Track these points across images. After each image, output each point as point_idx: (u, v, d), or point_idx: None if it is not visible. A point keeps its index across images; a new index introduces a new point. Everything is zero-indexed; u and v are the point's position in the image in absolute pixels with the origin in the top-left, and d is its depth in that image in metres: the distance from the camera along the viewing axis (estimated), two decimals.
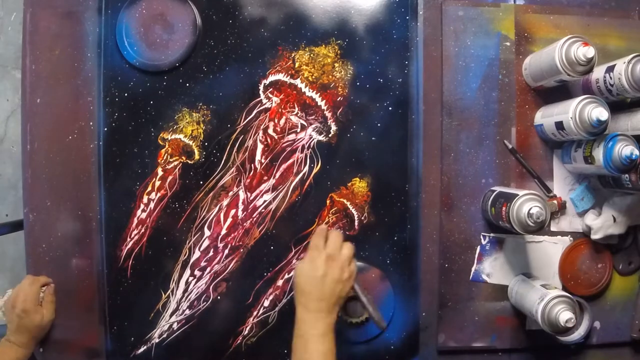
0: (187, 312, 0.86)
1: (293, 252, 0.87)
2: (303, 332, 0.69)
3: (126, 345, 0.85)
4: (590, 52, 0.75)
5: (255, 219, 0.86)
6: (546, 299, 0.77)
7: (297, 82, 0.86)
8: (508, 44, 0.88)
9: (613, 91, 0.80)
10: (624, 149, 0.74)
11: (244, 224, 0.86)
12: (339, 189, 0.87)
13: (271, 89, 0.86)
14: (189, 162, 0.86)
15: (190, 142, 0.86)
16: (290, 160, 0.87)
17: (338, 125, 0.87)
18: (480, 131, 0.88)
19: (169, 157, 0.86)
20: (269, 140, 0.87)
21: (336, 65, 0.87)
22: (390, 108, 0.87)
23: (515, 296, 0.86)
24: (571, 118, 0.77)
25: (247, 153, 0.86)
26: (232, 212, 0.86)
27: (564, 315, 0.75)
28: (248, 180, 0.86)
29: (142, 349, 0.86)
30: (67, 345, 0.86)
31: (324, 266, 0.71)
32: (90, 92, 0.86)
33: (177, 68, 0.85)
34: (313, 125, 0.87)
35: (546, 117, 0.85)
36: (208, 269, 0.86)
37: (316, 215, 0.87)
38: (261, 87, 0.86)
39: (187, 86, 0.86)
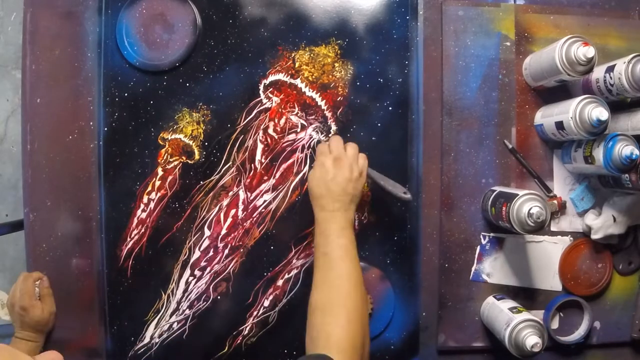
0: (187, 312, 0.86)
1: (293, 252, 0.87)
2: (323, 229, 0.72)
3: (126, 345, 0.85)
4: (590, 52, 0.75)
5: (255, 219, 0.86)
6: (512, 324, 0.77)
7: (297, 82, 0.86)
8: (508, 44, 0.88)
9: (613, 91, 0.80)
10: (624, 149, 0.75)
11: (244, 224, 0.86)
12: None
13: (271, 89, 0.86)
14: (189, 162, 0.86)
15: (190, 142, 0.86)
16: (290, 160, 0.87)
17: (338, 125, 0.87)
18: (480, 131, 0.88)
19: (169, 157, 0.86)
20: (269, 140, 0.87)
21: (336, 65, 0.87)
22: (390, 108, 0.87)
23: (487, 319, 0.86)
24: (571, 118, 0.77)
25: (247, 153, 0.86)
26: (232, 212, 0.86)
27: (530, 340, 0.75)
28: (248, 180, 0.86)
29: (142, 349, 0.86)
30: (67, 345, 0.86)
31: (332, 169, 0.74)
32: (90, 92, 0.86)
33: (177, 68, 0.85)
34: (313, 125, 0.87)
35: (546, 117, 0.85)
36: (208, 269, 0.86)
37: None
38: (261, 87, 0.86)
39: (187, 86, 0.86)
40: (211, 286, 0.86)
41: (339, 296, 0.67)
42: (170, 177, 0.86)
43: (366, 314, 0.69)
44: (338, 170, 0.74)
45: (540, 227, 0.75)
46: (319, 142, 0.86)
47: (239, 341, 0.86)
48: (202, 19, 0.86)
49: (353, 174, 0.74)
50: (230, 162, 0.86)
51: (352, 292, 0.68)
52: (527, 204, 0.75)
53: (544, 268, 0.89)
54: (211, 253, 0.86)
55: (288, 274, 0.87)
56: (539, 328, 0.76)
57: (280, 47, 0.86)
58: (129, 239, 0.85)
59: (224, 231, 0.86)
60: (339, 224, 0.72)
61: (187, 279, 0.86)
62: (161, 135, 0.86)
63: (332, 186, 0.73)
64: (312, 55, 0.86)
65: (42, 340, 0.83)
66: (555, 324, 0.89)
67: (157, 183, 0.86)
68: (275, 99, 0.86)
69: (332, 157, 0.75)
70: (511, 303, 0.83)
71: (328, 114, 0.87)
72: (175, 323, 0.86)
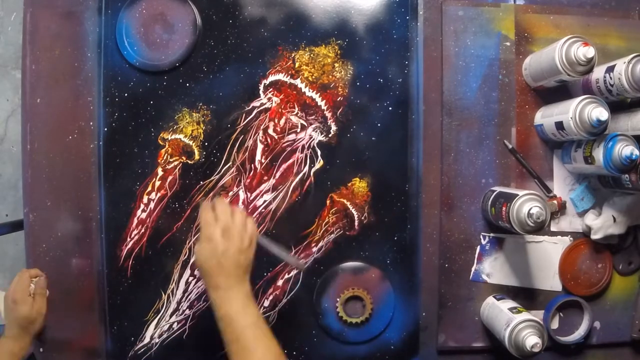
0: (187, 312, 0.86)
1: (293, 252, 0.87)
2: (224, 313, 0.66)
3: (126, 345, 0.85)
4: (590, 52, 0.75)
5: (255, 219, 0.86)
6: (512, 324, 0.77)
7: (297, 82, 0.86)
8: (508, 44, 0.88)
9: (613, 91, 0.80)
10: (624, 149, 0.75)
11: None
12: (339, 189, 0.87)
13: (271, 89, 0.86)
14: (189, 162, 0.86)
15: (190, 142, 0.86)
16: (290, 160, 0.87)
17: (338, 125, 0.87)
18: (480, 131, 0.88)
19: (169, 157, 0.86)
20: (269, 140, 0.87)
21: (336, 65, 0.87)
22: (390, 108, 0.87)
23: (486, 319, 0.86)
24: (571, 118, 0.77)
25: (247, 153, 0.86)
26: None
27: (530, 341, 0.75)
28: (248, 180, 0.86)
29: (142, 349, 0.86)
30: (67, 345, 0.86)
31: (222, 241, 0.68)
32: (90, 92, 0.86)
33: (177, 68, 0.85)
34: (313, 125, 0.87)
35: (546, 117, 0.85)
36: None
37: (316, 215, 0.87)
38: (261, 87, 0.86)
39: (187, 86, 0.86)
40: None
41: None
42: (170, 177, 0.86)
43: None
44: (228, 242, 0.68)
45: (540, 227, 0.75)
46: (319, 142, 0.85)
47: None
48: (202, 19, 0.86)
49: (244, 244, 0.69)
50: (230, 162, 0.86)
51: None
52: (527, 204, 0.75)
53: (544, 268, 0.89)
54: None
55: (288, 274, 0.87)
56: (538, 328, 0.76)
57: (280, 47, 0.86)
58: (129, 239, 0.85)
59: None
60: (240, 302, 0.67)
61: (187, 279, 0.86)
62: (161, 135, 0.86)
63: (224, 261, 0.67)
64: (312, 55, 0.86)
65: (28, 340, 0.81)
66: (555, 324, 0.89)
67: (157, 183, 0.86)
68: (275, 99, 0.86)
69: (219, 228, 0.68)
70: (511, 303, 0.83)
71: (328, 114, 0.87)
72: (175, 323, 0.86)
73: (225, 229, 0.69)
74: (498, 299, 0.86)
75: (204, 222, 0.70)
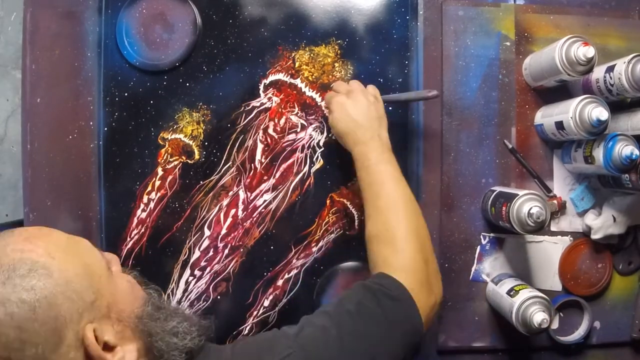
0: (187, 311, 0.86)
1: (293, 252, 0.87)
2: (362, 162, 0.73)
3: None
4: (590, 52, 0.75)
5: (255, 218, 0.86)
6: (515, 308, 0.77)
7: (297, 81, 0.86)
8: (508, 43, 0.88)
9: (613, 91, 0.80)
10: (624, 149, 0.74)
11: (244, 224, 0.86)
12: (339, 188, 0.87)
13: (271, 89, 0.86)
14: (189, 161, 0.86)
15: (190, 142, 0.86)
16: (290, 160, 0.87)
17: None
18: (480, 131, 0.88)
19: (169, 156, 0.86)
20: (269, 140, 0.87)
21: (336, 65, 0.87)
22: (390, 108, 0.87)
23: (492, 303, 0.86)
24: (571, 118, 0.77)
25: (247, 153, 0.86)
26: (232, 211, 0.86)
27: (537, 318, 0.75)
28: (248, 180, 0.86)
29: None
30: None
31: (349, 101, 0.76)
32: (90, 92, 0.86)
33: (177, 68, 0.85)
34: (313, 125, 0.87)
35: (546, 117, 0.85)
36: (208, 269, 0.86)
37: (316, 215, 0.87)
38: (261, 87, 0.86)
39: (187, 86, 0.86)
40: (211, 286, 0.86)
41: (390, 221, 0.68)
42: (170, 177, 0.86)
43: (424, 229, 0.70)
44: (354, 101, 0.75)
45: (540, 227, 0.75)
46: (319, 142, 0.85)
47: None
48: (202, 18, 0.86)
49: (369, 99, 0.76)
50: (230, 162, 0.86)
51: (402, 213, 0.68)
52: (527, 204, 0.75)
53: (544, 268, 0.89)
54: (211, 253, 0.86)
55: (288, 274, 0.87)
56: (542, 302, 0.76)
57: (280, 47, 0.86)
58: (129, 239, 0.85)
59: (224, 231, 0.86)
60: (377, 151, 0.73)
61: (187, 278, 0.86)
62: (161, 135, 0.86)
63: (356, 116, 0.74)
64: (312, 55, 0.86)
65: None
66: (555, 324, 0.89)
67: (157, 183, 0.86)
68: (275, 98, 0.86)
69: (343, 94, 0.77)
70: (510, 283, 0.83)
71: (328, 114, 0.87)
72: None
73: (348, 91, 0.77)
74: (496, 283, 0.85)
75: (328, 98, 0.80)
